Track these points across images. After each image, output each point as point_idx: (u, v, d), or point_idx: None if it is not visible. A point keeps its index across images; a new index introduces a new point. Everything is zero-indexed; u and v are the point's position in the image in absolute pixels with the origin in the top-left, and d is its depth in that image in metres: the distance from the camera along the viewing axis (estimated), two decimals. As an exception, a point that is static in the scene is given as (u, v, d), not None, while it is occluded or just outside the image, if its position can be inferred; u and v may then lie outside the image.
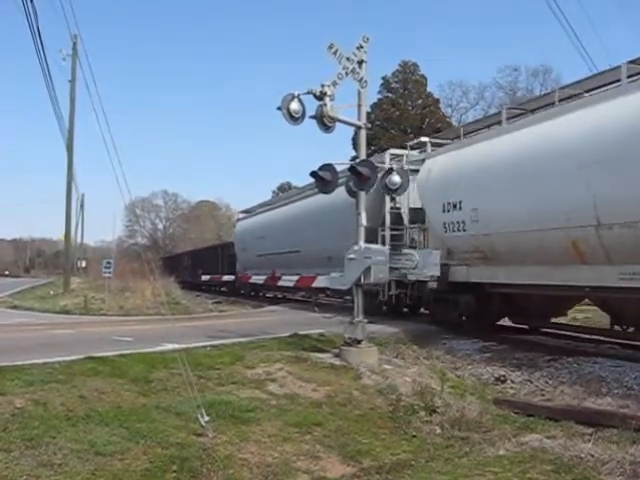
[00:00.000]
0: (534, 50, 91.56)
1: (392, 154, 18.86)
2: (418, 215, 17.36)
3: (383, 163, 16.27)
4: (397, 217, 18.24)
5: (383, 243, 16.64)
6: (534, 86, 51.33)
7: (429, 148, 17.19)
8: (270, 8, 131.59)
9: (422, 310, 19.11)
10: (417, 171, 16.79)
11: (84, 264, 52.85)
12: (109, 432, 6.45)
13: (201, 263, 47.16)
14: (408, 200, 17.58)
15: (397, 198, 17.49)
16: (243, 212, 37.40)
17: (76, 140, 34.80)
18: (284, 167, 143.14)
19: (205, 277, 44.38)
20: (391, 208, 18.18)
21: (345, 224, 16.89)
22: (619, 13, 79.07)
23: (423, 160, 16.96)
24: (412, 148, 18.71)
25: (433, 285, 15.59)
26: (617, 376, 10.14)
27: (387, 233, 17.80)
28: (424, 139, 18.01)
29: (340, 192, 13.65)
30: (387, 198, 17.58)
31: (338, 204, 16.50)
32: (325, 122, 10.88)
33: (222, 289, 42.18)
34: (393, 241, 17.36)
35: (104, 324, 19.38)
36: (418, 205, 17.26)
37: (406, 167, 16.48)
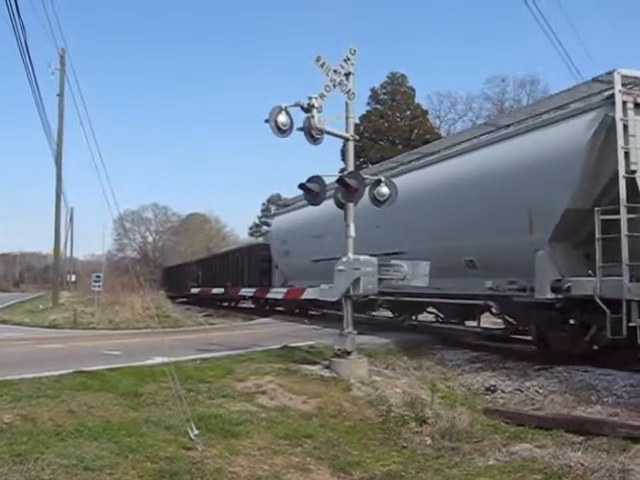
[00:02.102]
0: (521, 61, 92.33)
1: (625, 77, 11.02)
2: None
3: (611, 85, 10.84)
4: (633, 188, 10.65)
5: (608, 233, 10.56)
6: (522, 97, 51.73)
7: None
8: (256, 21, 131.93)
9: None
10: None
11: (73, 278, 52.78)
12: (98, 447, 6.41)
13: (219, 273, 38.05)
14: None
15: (633, 152, 10.70)
16: (279, 205, 30.48)
17: (65, 153, 34.77)
18: (274, 179, 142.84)
19: (195, 290, 42.21)
20: (626, 172, 10.62)
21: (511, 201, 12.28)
22: (605, 21, 79.85)
23: None
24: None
25: None
26: (607, 384, 10.17)
27: (623, 216, 10.38)
28: None
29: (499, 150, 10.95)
30: (620, 152, 10.61)
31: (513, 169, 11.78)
32: (313, 134, 10.91)
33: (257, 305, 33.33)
34: (632, 229, 10.38)
35: (94, 338, 19.28)
36: None
37: None
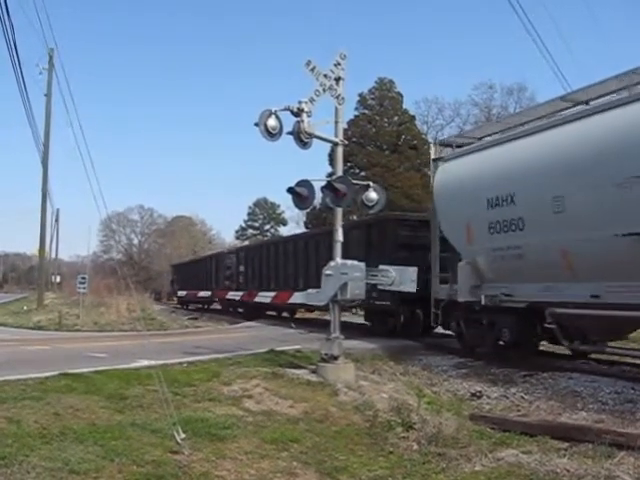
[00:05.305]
0: (508, 67, 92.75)
1: None
2: None
3: None
4: None
5: None
6: (509, 104, 51.92)
7: None
8: (247, 26, 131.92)
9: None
10: None
11: (58, 279, 52.46)
12: (83, 450, 6.36)
13: (287, 267, 24.65)
14: None
15: None
16: (448, 143, 16.01)
17: (51, 154, 34.65)
18: (260, 183, 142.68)
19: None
20: None
21: None
22: (592, 29, 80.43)
23: None
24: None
25: None
26: (592, 391, 10.22)
27: None
28: None
29: None
30: None
31: None
32: (302, 138, 10.92)
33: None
34: None
35: (79, 340, 19.20)
36: None
37: None
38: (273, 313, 28.65)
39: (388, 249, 17.51)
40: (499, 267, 12.70)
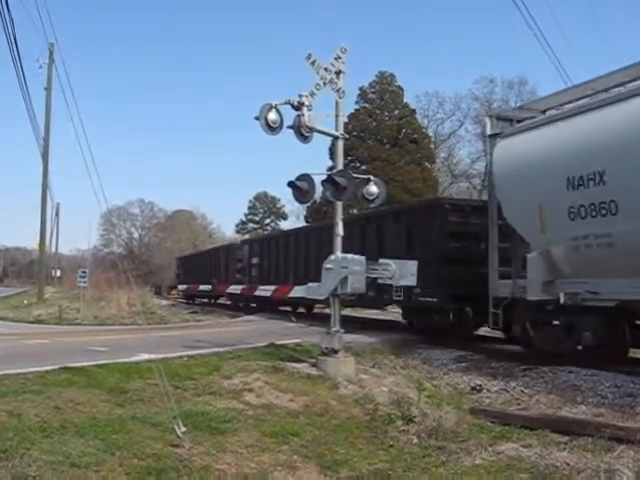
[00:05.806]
0: (510, 63, 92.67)
1: None
2: None
3: None
4: None
5: None
6: (509, 97, 51.85)
7: None
8: (247, 22, 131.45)
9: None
10: None
11: (58, 273, 52.45)
12: (84, 443, 6.36)
13: (304, 256, 22.73)
14: None
15: None
16: (507, 118, 14.04)
17: (52, 149, 34.59)
18: (261, 177, 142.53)
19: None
20: None
21: None
22: (594, 28, 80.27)
23: None
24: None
25: None
26: (592, 385, 10.22)
27: None
28: None
29: None
30: None
31: None
32: (302, 132, 10.89)
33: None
34: None
35: (79, 334, 19.22)
36: None
37: None
38: (287, 308, 27.38)
39: (435, 239, 15.45)
40: (581, 259, 10.80)
